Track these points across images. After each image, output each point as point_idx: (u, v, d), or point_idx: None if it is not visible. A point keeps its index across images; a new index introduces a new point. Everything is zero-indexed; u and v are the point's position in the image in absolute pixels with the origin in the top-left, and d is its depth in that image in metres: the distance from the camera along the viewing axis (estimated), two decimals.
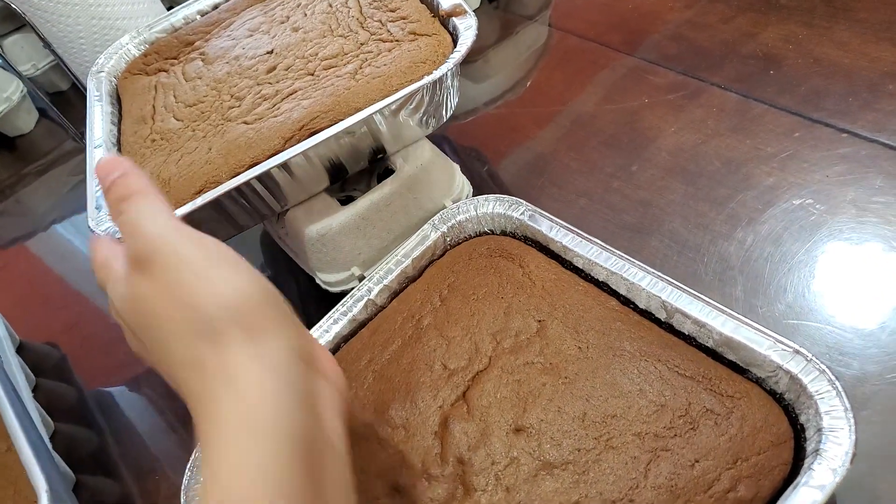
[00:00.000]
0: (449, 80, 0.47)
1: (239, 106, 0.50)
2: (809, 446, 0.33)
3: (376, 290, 0.48)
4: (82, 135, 0.86)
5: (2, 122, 0.93)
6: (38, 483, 0.36)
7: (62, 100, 1.00)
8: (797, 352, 0.35)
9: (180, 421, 0.58)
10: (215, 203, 0.45)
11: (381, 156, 0.50)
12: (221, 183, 0.45)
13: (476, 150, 0.63)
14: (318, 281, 0.52)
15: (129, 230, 0.29)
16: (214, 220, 0.47)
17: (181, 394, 0.28)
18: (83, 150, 0.92)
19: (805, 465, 0.32)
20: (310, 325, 0.47)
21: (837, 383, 0.33)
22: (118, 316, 0.30)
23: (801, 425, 0.35)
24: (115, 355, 0.66)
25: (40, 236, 0.82)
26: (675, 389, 0.37)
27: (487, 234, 0.50)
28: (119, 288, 0.29)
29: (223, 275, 0.27)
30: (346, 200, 0.51)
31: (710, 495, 0.33)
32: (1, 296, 0.72)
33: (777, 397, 0.36)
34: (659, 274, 0.41)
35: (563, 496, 0.35)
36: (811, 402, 0.34)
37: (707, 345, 0.39)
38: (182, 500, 0.40)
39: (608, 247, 0.44)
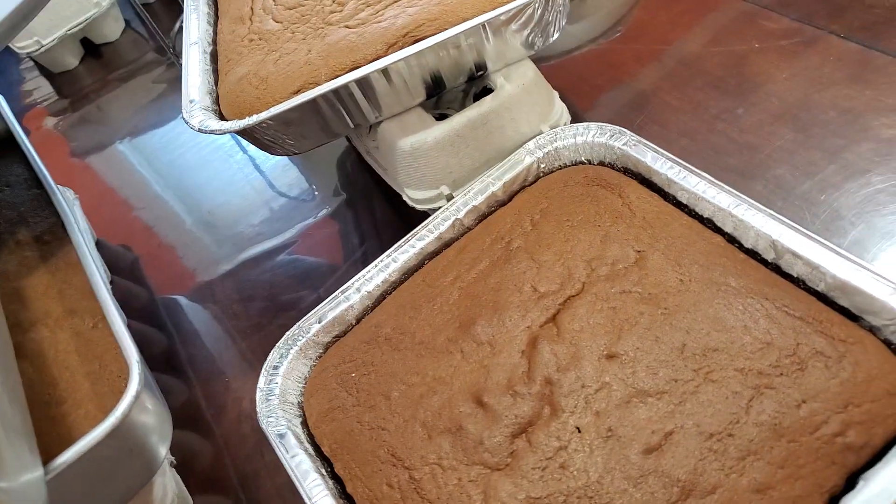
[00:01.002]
0: None
1: (341, 11, 0.49)
2: None
3: (465, 210, 0.47)
4: (171, 47, 0.86)
5: (90, 28, 0.94)
6: (130, 353, 0.37)
7: (150, 10, 1.00)
8: None
9: (241, 335, 0.59)
10: (312, 104, 0.44)
11: (481, 73, 0.48)
12: (320, 84, 0.45)
13: (572, 86, 0.61)
14: (405, 197, 0.51)
15: None
16: (308, 123, 0.47)
17: None
18: (164, 62, 0.93)
19: None
20: (392, 241, 0.47)
21: None
22: None
23: None
24: (185, 263, 0.67)
25: (121, 142, 0.84)
26: (782, 328, 0.35)
27: (584, 163, 0.48)
28: None
29: None
30: (438, 118, 0.50)
31: (816, 437, 0.31)
32: (81, 196, 0.74)
33: (893, 348, 0.34)
34: (770, 212, 0.39)
35: (656, 424, 0.33)
36: None
37: (817, 289, 0.37)
38: (257, 399, 0.41)
39: (716, 181, 0.41)
